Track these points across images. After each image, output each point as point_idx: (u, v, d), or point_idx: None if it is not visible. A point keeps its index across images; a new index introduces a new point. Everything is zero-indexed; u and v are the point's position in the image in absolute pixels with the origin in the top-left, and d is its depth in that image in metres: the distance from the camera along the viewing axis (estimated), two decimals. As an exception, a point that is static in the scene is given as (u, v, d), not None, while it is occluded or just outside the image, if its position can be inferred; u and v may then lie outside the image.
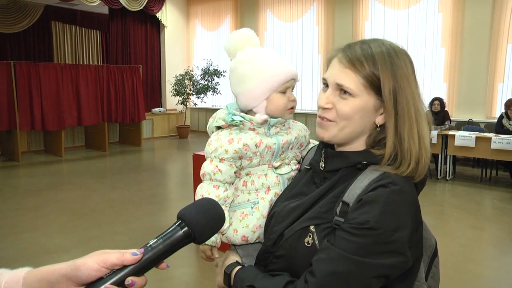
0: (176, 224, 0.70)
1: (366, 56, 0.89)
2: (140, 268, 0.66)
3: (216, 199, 1.06)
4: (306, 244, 0.89)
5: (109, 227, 4.28)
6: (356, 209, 0.84)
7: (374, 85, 0.88)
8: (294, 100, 1.13)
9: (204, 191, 1.08)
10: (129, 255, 0.64)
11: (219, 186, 1.08)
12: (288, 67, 1.11)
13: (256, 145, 1.08)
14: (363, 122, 0.91)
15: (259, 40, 1.16)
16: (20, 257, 3.54)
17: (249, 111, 1.14)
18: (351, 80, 0.89)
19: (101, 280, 0.64)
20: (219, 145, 1.08)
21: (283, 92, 1.11)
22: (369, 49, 0.89)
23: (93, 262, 0.64)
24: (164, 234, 0.69)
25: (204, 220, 0.72)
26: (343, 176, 0.93)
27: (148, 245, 0.67)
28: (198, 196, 1.08)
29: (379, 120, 0.91)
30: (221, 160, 1.08)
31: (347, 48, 0.92)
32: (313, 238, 0.88)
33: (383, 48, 0.90)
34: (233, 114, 1.10)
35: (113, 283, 0.63)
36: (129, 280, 0.64)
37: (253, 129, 1.10)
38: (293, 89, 1.14)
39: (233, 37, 1.14)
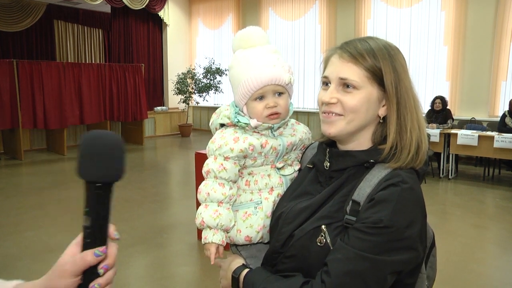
0: (87, 187, 0.63)
1: (366, 50, 0.92)
2: (97, 243, 0.63)
3: (222, 197, 1.05)
4: (318, 243, 0.90)
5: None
6: (369, 208, 0.85)
7: (377, 76, 0.92)
8: (273, 106, 1.06)
9: (210, 188, 1.06)
10: (91, 256, 0.62)
11: (224, 184, 1.06)
12: (265, 72, 1.04)
13: (261, 146, 1.07)
14: (369, 114, 0.94)
15: (263, 37, 1.11)
16: (23, 255, 3.56)
17: None
18: (354, 73, 0.91)
19: (80, 286, 0.62)
20: (224, 143, 1.07)
21: (260, 98, 1.07)
22: (367, 44, 0.93)
23: (64, 283, 0.62)
24: (87, 207, 0.63)
25: (95, 163, 0.62)
26: (350, 175, 0.95)
27: (83, 226, 0.64)
28: (203, 195, 1.07)
29: (382, 112, 0.95)
30: (226, 158, 1.06)
31: (346, 45, 0.95)
32: (325, 238, 0.89)
33: (379, 43, 0.95)
34: (239, 114, 1.09)
35: (92, 280, 0.63)
36: (101, 269, 0.63)
37: (257, 132, 1.09)
38: (279, 93, 1.07)
39: (235, 38, 1.12)
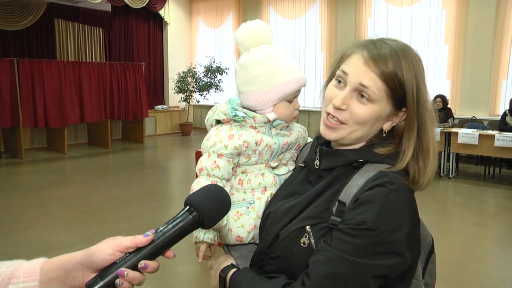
0: (185, 209, 0.73)
1: (396, 66, 0.84)
2: (152, 252, 0.68)
3: None
4: (302, 244, 0.87)
5: (112, 224, 4.29)
6: (353, 209, 0.82)
7: (397, 96, 0.86)
8: (298, 108, 1.11)
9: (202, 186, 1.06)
10: (141, 236, 0.68)
11: (216, 182, 1.05)
12: (301, 75, 1.06)
13: (256, 143, 1.05)
14: (373, 129, 0.89)
15: (273, 36, 1.09)
16: (24, 253, 3.56)
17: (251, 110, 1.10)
18: (376, 85, 0.85)
19: (114, 264, 0.66)
20: (218, 140, 1.05)
21: (290, 100, 1.08)
22: (398, 61, 0.85)
23: (107, 247, 0.67)
24: (173, 219, 0.72)
25: (212, 204, 0.74)
26: (339, 174, 0.91)
27: (159, 230, 0.70)
28: None
29: (387, 126, 0.90)
30: (219, 155, 1.05)
31: (374, 49, 0.86)
32: (309, 239, 0.86)
33: (409, 59, 0.86)
34: (236, 109, 1.07)
35: (127, 267, 0.66)
36: (142, 263, 0.67)
37: (254, 127, 1.07)
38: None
39: (251, 30, 1.06)
